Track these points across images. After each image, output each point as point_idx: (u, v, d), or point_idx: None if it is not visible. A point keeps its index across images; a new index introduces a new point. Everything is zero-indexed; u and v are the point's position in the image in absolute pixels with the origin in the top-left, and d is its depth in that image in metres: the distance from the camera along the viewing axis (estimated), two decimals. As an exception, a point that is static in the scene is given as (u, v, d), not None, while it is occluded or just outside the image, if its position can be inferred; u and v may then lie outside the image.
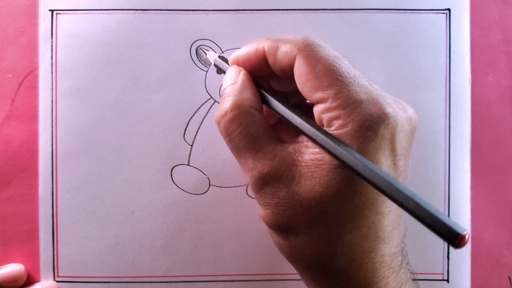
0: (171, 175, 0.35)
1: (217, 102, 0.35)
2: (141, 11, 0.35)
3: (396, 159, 0.23)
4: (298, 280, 0.35)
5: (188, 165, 0.35)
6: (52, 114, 0.35)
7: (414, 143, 0.35)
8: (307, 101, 0.25)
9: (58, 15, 0.35)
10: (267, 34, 0.35)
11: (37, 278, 0.34)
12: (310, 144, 0.24)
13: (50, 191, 0.34)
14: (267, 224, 0.26)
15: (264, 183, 0.24)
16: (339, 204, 0.23)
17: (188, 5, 0.35)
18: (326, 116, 0.23)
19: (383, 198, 0.23)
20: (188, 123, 0.35)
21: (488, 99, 0.36)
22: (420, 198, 0.19)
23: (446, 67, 0.35)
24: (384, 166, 0.23)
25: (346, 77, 0.23)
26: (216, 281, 0.35)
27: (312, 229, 0.23)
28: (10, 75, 0.35)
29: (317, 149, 0.23)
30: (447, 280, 0.35)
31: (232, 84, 0.26)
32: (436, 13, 0.35)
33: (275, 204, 0.24)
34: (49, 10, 0.35)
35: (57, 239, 0.34)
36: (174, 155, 0.35)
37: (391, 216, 0.24)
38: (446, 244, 0.35)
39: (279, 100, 0.25)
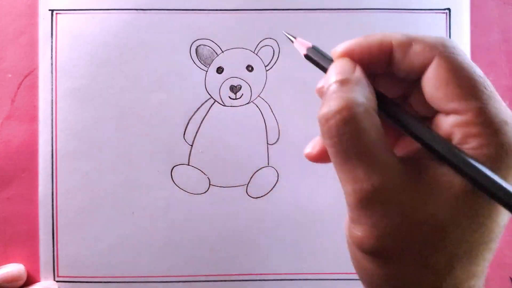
0: (171, 175, 0.35)
1: (217, 102, 0.35)
2: (141, 11, 0.35)
3: None
4: (298, 280, 0.35)
5: (188, 165, 0.35)
6: (52, 114, 0.35)
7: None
8: (435, 108, 0.22)
9: (58, 15, 0.35)
10: (267, 34, 0.35)
11: (37, 278, 0.34)
12: (435, 162, 0.21)
13: (50, 191, 0.34)
14: (363, 248, 0.22)
15: (374, 199, 0.21)
16: (461, 235, 0.20)
17: (188, 5, 0.35)
18: (461, 131, 0.20)
19: (499, 234, 0.21)
20: (188, 123, 0.35)
21: (488, 99, 0.36)
22: None
23: (446, 67, 0.35)
24: None
25: (491, 91, 0.21)
26: (216, 281, 0.35)
27: (423, 259, 0.21)
28: (10, 75, 0.35)
29: (445, 170, 0.20)
30: None
31: (346, 79, 0.22)
32: (436, 13, 0.35)
33: (384, 226, 0.21)
34: (49, 10, 0.35)
35: (57, 239, 0.34)
36: (174, 155, 0.35)
37: (493, 252, 0.22)
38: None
39: (399, 106, 0.22)
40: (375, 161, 0.21)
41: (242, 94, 0.35)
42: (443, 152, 0.20)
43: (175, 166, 0.35)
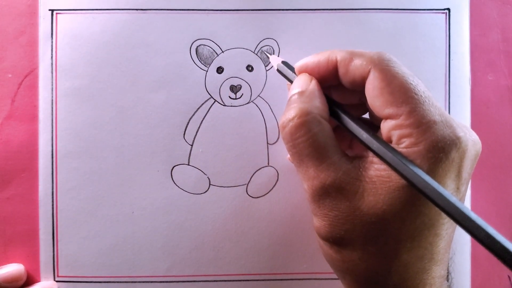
0: (171, 175, 0.35)
1: (217, 102, 0.35)
2: (141, 11, 0.35)
3: (460, 184, 0.23)
4: (298, 280, 0.35)
5: (188, 165, 0.35)
6: (52, 114, 0.35)
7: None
8: (375, 115, 0.25)
9: (58, 15, 0.35)
10: (267, 34, 0.35)
11: (37, 278, 0.34)
12: (376, 160, 0.23)
13: (50, 191, 0.34)
14: (321, 236, 0.26)
15: (325, 194, 0.24)
16: (401, 223, 0.23)
17: (188, 5, 0.35)
18: (396, 133, 0.23)
19: (443, 220, 0.23)
20: (188, 123, 0.35)
21: (488, 99, 0.36)
22: (490, 228, 0.19)
23: (446, 67, 0.35)
24: (449, 189, 0.23)
25: (421, 96, 0.23)
26: (216, 281, 0.35)
27: (370, 245, 0.23)
28: (10, 75, 0.35)
29: (383, 166, 0.23)
30: (448, 280, 0.35)
31: (302, 91, 0.26)
32: (435, 13, 0.35)
33: (333, 217, 0.24)
34: (49, 10, 0.35)
35: (57, 239, 0.34)
36: (174, 155, 0.35)
37: (446, 239, 0.24)
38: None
39: (346, 113, 0.25)
40: (324, 161, 0.24)
41: (242, 94, 0.35)
42: (378, 152, 0.23)
43: (175, 166, 0.35)
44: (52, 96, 0.35)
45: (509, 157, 0.36)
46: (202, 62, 0.35)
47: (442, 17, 0.36)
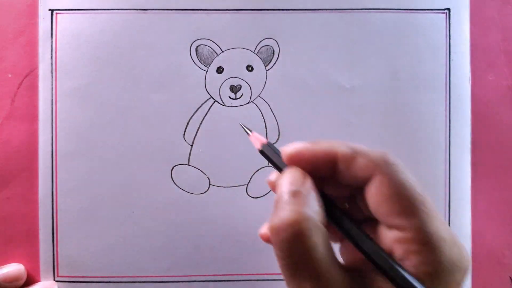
0: (171, 175, 0.35)
1: (217, 102, 0.35)
2: (141, 11, 0.35)
3: None
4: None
5: (188, 165, 0.35)
6: (52, 114, 0.35)
7: (414, 142, 0.35)
8: (378, 219, 0.23)
9: (58, 15, 0.35)
10: (267, 34, 0.35)
11: (37, 278, 0.34)
12: (379, 277, 0.22)
13: (50, 191, 0.34)
14: None
15: None
16: None
17: (188, 5, 0.35)
18: (402, 247, 0.21)
19: None
20: (188, 123, 0.35)
21: (488, 98, 0.36)
22: None
23: (446, 67, 0.35)
24: None
25: (430, 209, 0.21)
26: (216, 281, 0.35)
27: None
28: (10, 75, 0.35)
29: (389, 285, 0.21)
30: (448, 280, 0.35)
31: (297, 191, 0.23)
32: (436, 13, 0.35)
33: None
34: (49, 10, 0.35)
35: (57, 239, 0.34)
36: (174, 155, 0.35)
37: None
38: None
39: (348, 218, 0.23)
40: (322, 277, 0.21)
41: (242, 94, 0.35)
42: (384, 267, 0.21)
43: (175, 166, 0.35)
44: (52, 96, 0.35)
45: (509, 156, 0.36)
46: (202, 62, 0.35)
47: (442, 17, 0.35)
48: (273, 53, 0.35)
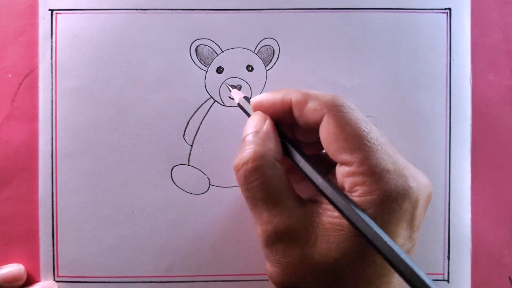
0: (171, 175, 0.35)
1: (217, 102, 0.35)
2: (141, 11, 0.35)
3: (412, 232, 0.23)
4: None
5: (188, 165, 0.35)
6: (52, 114, 0.35)
7: (414, 142, 0.35)
8: (331, 159, 0.24)
9: (58, 15, 0.35)
10: (267, 34, 0.35)
11: (37, 278, 0.34)
12: (329, 206, 0.23)
13: (50, 191, 0.34)
14: (273, 282, 0.25)
15: (277, 240, 0.24)
16: (353, 272, 0.22)
17: (188, 4, 0.35)
18: (349, 180, 0.23)
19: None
20: (188, 123, 0.35)
21: (489, 99, 0.36)
22: (434, 284, 0.19)
23: (447, 67, 0.35)
24: (401, 238, 0.23)
25: (374, 143, 0.23)
26: (216, 281, 0.35)
27: None
28: (10, 75, 0.35)
29: (336, 214, 0.23)
30: (448, 280, 0.35)
31: (257, 131, 0.25)
32: (436, 12, 0.35)
33: (286, 263, 0.24)
34: (49, 10, 0.35)
35: (57, 239, 0.34)
36: (174, 155, 0.35)
37: (398, 286, 0.24)
38: (446, 244, 0.35)
39: (302, 154, 0.25)
40: (277, 206, 0.24)
41: (242, 94, 0.35)
42: (332, 199, 0.22)
43: (175, 166, 0.35)
44: (52, 96, 0.35)
45: (509, 157, 0.36)
46: (202, 62, 0.35)
47: (443, 17, 0.35)
48: (273, 53, 0.35)
